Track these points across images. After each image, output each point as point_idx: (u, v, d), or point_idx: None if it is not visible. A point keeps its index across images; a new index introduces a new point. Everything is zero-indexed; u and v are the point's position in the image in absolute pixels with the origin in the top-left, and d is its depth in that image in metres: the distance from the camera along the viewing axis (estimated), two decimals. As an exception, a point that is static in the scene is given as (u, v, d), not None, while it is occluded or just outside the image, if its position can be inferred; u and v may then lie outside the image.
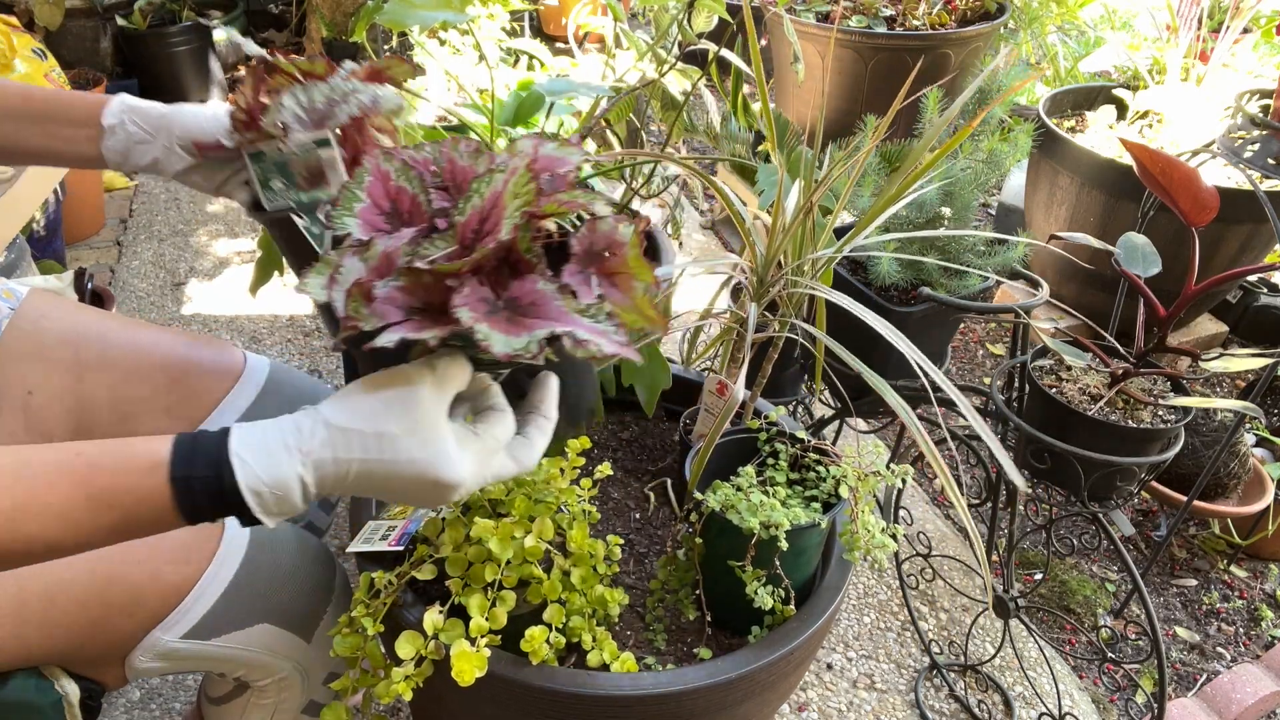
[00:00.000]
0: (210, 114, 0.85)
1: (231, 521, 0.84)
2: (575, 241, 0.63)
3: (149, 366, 1.01)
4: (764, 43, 3.58)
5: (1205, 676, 1.62)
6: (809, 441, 0.95)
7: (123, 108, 0.84)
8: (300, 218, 0.80)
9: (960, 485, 1.74)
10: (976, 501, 1.34)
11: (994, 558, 1.33)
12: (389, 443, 0.61)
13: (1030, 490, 0.92)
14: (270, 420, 0.62)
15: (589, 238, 0.63)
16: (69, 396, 0.97)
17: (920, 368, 0.82)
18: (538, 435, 0.68)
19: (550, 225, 0.63)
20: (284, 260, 1.04)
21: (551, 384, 0.70)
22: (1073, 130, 2.27)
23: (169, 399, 1.01)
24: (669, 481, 1.10)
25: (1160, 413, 1.08)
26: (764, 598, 0.83)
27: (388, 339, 0.56)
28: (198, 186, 0.89)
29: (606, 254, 0.63)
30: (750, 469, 0.90)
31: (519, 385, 0.69)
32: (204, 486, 0.59)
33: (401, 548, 0.85)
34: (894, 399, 0.81)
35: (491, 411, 0.66)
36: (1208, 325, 2.32)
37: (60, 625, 0.76)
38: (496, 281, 0.60)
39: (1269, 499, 1.76)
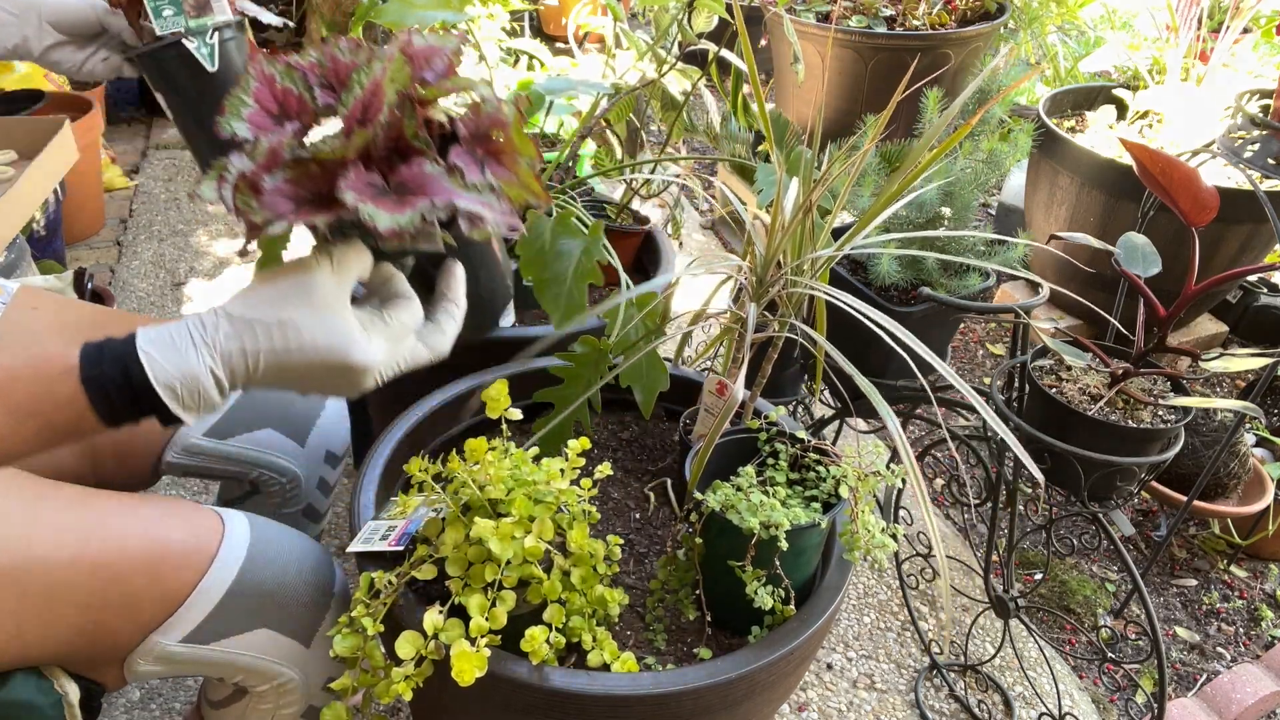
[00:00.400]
0: None
1: (231, 526, 0.85)
2: (461, 125, 0.65)
3: None
4: (764, 42, 3.58)
5: (1205, 676, 1.62)
6: (809, 441, 0.95)
7: None
8: (190, 41, 0.86)
9: (961, 485, 1.74)
10: (977, 501, 1.34)
11: (994, 558, 1.33)
12: (293, 330, 0.62)
13: (1031, 488, 0.92)
14: (174, 321, 0.64)
15: (474, 121, 0.65)
16: None
17: (926, 366, 0.82)
18: (447, 321, 0.70)
19: (440, 117, 0.65)
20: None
21: (456, 271, 0.72)
22: (1073, 130, 2.27)
23: None
24: (669, 481, 1.10)
25: (1160, 413, 1.08)
26: (764, 598, 0.83)
27: (277, 227, 0.59)
28: (62, 64, 0.92)
29: (492, 135, 0.65)
30: (750, 469, 0.90)
31: (427, 278, 0.71)
32: (115, 385, 0.61)
33: (401, 548, 0.85)
34: (882, 405, 0.81)
35: (397, 299, 0.68)
36: (1208, 325, 2.32)
37: (59, 627, 0.76)
38: (388, 170, 0.62)
39: (1269, 499, 1.76)
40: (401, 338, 0.67)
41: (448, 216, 0.62)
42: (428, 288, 0.71)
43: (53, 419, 0.62)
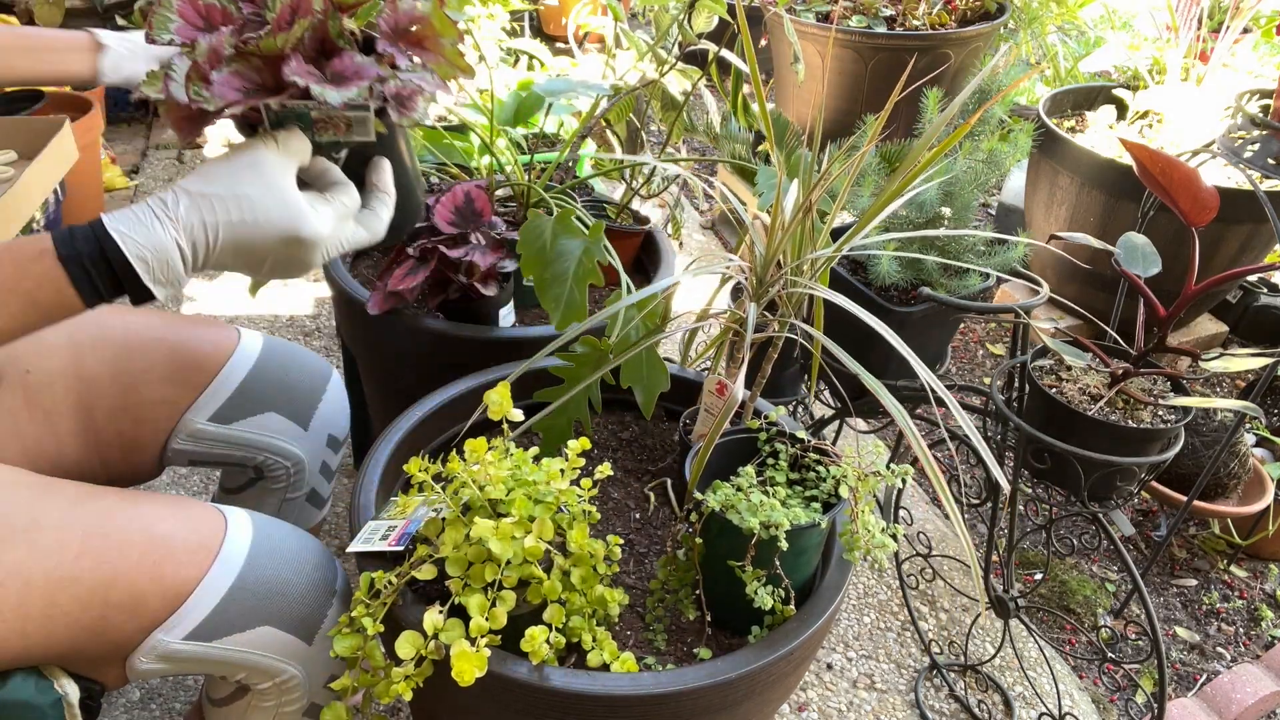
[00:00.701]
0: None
1: (234, 525, 0.86)
2: (381, 22, 0.73)
3: (147, 341, 1.03)
4: (764, 43, 3.59)
5: (1205, 676, 1.62)
6: (809, 441, 0.95)
7: (112, 34, 0.96)
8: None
9: (960, 485, 1.74)
10: (976, 501, 1.34)
11: (994, 558, 1.33)
12: (248, 203, 0.69)
13: (1025, 490, 0.93)
14: (134, 203, 0.70)
15: (392, 17, 0.73)
16: (69, 374, 0.99)
17: (926, 365, 0.82)
18: (381, 208, 0.79)
19: (356, 27, 0.73)
20: None
21: (384, 164, 0.80)
22: (1073, 130, 2.27)
23: (169, 368, 1.03)
24: (669, 481, 1.10)
25: (1160, 413, 1.08)
26: (764, 598, 0.83)
27: (234, 110, 0.66)
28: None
29: (412, 28, 0.73)
30: (750, 469, 0.90)
31: (357, 178, 0.78)
32: (91, 261, 0.67)
33: (401, 548, 0.85)
34: (890, 401, 0.81)
35: (335, 186, 0.75)
36: (1208, 325, 2.32)
37: (62, 623, 0.76)
38: (319, 66, 0.70)
39: (1269, 499, 1.76)
40: (344, 218, 0.75)
41: (380, 103, 0.72)
42: (359, 184, 0.79)
43: (35, 296, 0.67)
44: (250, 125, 0.74)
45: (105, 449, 1.01)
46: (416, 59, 0.73)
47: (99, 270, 0.68)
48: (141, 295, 0.70)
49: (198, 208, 0.69)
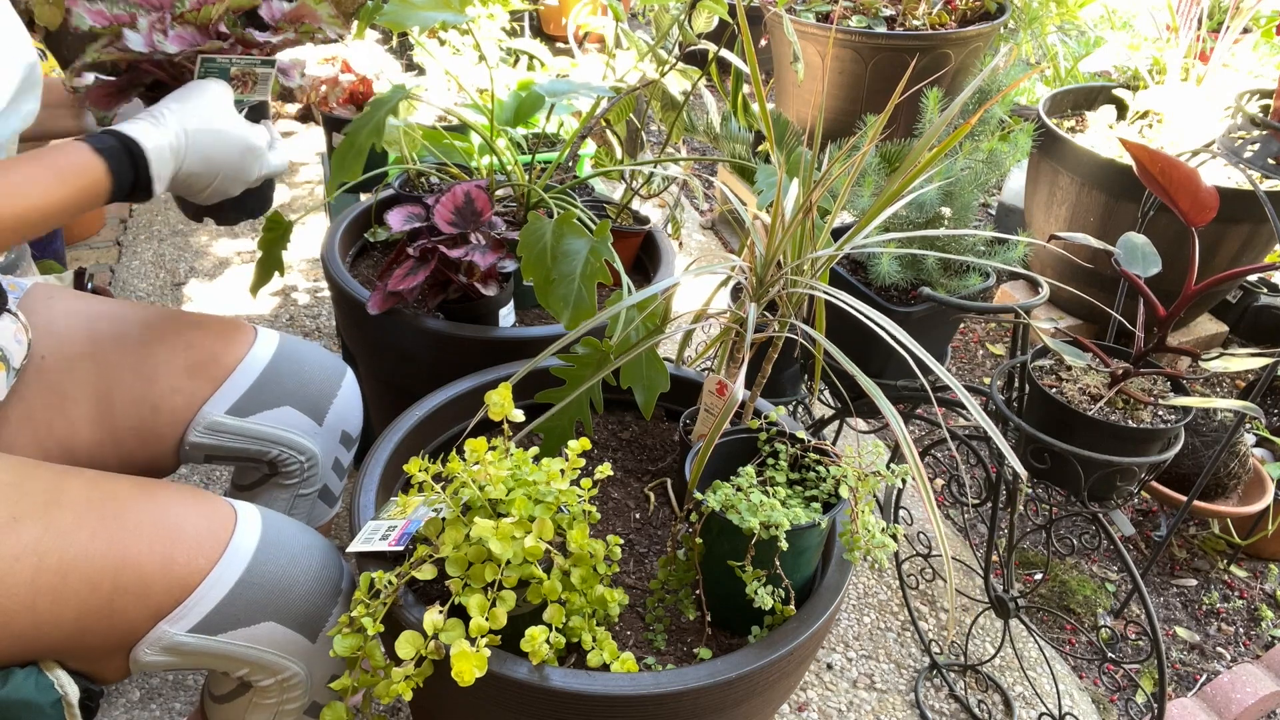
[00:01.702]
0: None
1: (243, 519, 0.86)
2: (262, 11, 0.95)
3: (165, 334, 1.05)
4: (764, 43, 3.59)
5: (1205, 676, 1.62)
6: (809, 441, 0.95)
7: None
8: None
9: (961, 485, 1.74)
10: (976, 501, 1.34)
11: (994, 558, 1.33)
12: (214, 119, 0.90)
13: (1030, 488, 0.93)
14: (136, 120, 0.86)
15: (269, 9, 0.96)
16: (86, 361, 1.00)
17: (925, 365, 0.82)
18: (276, 153, 0.98)
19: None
20: (282, 262, 1.27)
21: (272, 125, 1.01)
22: (1073, 130, 2.27)
23: (189, 359, 1.04)
24: (669, 481, 1.10)
25: (1160, 413, 1.08)
26: (764, 598, 0.83)
27: (186, 53, 0.90)
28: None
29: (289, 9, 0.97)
30: (750, 469, 0.90)
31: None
32: (115, 151, 0.83)
33: (401, 548, 0.85)
34: (884, 404, 0.81)
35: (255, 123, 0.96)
36: (1208, 325, 2.32)
37: (71, 603, 0.77)
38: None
39: (1269, 499, 1.76)
40: (268, 145, 0.96)
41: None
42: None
43: (77, 184, 0.81)
44: (162, 87, 0.95)
45: (122, 438, 1.02)
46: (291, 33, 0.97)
47: (121, 160, 0.83)
48: (145, 191, 0.86)
49: (180, 120, 0.88)
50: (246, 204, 1.02)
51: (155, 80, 0.96)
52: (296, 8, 0.96)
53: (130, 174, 0.84)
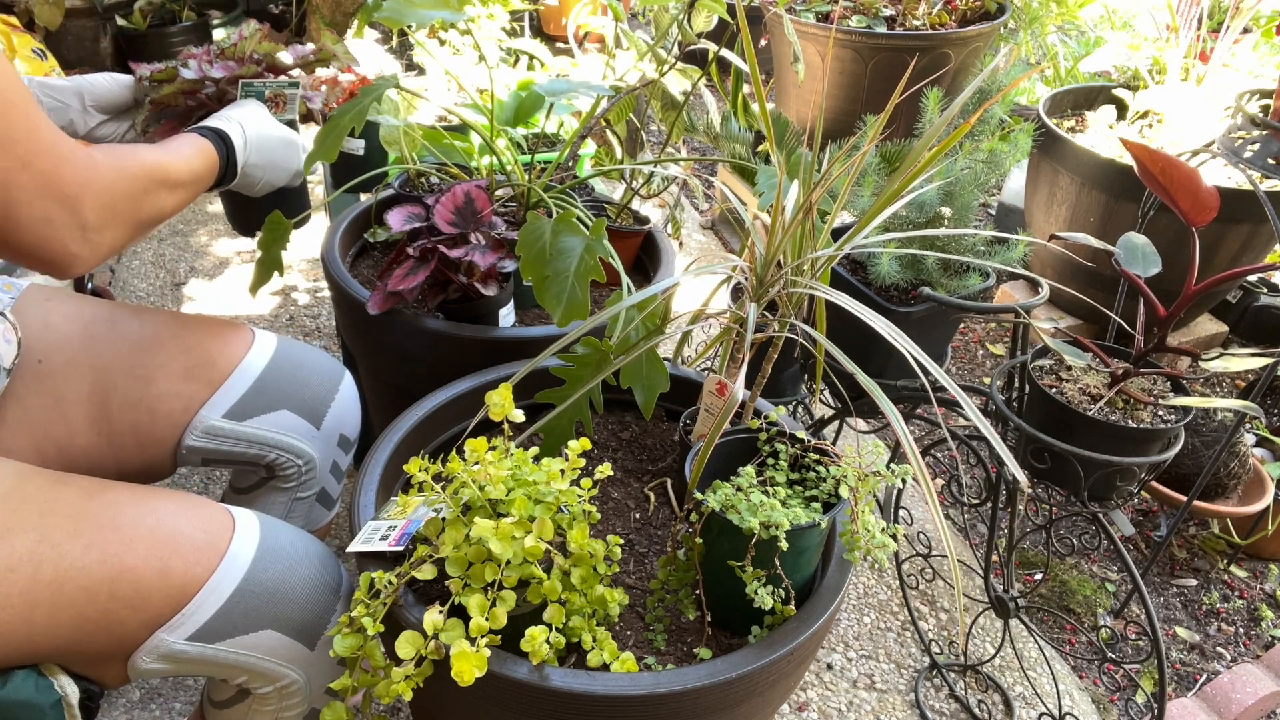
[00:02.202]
0: (110, 81, 1.15)
1: (240, 526, 0.86)
2: (285, 56, 1.24)
3: (162, 337, 1.05)
4: (764, 42, 3.59)
5: (1205, 676, 1.62)
6: (809, 441, 0.95)
7: (40, 83, 1.09)
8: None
9: (960, 485, 1.74)
10: (976, 501, 1.34)
11: (994, 558, 1.33)
12: (264, 123, 1.09)
13: (1031, 490, 0.92)
14: (223, 122, 1.05)
15: (291, 54, 1.26)
16: (84, 365, 1.00)
17: (921, 367, 0.82)
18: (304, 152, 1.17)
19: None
20: (282, 262, 1.32)
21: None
22: (1073, 130, 2.27)
23: (186, 362, 1.04)
24: (669, 481, 1.10)
25: (1160, 413, 1.08)
26: (764, 598, 0.83)
27: (229, 77, 1.16)
28: (106, 138, 1.16)
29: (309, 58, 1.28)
30: (750, 469, 0.90)
31: None
32: (219, 143, 1.02)
33: (401, 548, 0.85)
34: (885, 404, 0.81)
35: None
36: (1208, 325, 2.32)
37: (68, 613, 0.76)
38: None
39: (1269, 499, 1.76)
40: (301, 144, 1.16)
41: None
42: None
43: (203, 167, 0.99)
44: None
45: (119, 441, 1.01)
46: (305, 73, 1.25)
47: (220, 147, 1.01)
48: (231, 176, 1.05)
49: (241, 122, 1.06)
50: (293, 205, 1.22)
51: (207, 112, 1.15)
52: (318, 48, 1.27)
53: (225, 160, 1.02)
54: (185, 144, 0.97)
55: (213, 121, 1.04)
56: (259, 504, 1.13)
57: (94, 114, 1.13)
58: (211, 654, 0.83)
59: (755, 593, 0.84)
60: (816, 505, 0.90)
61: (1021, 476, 0.79)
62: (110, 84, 1.14)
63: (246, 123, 1.06)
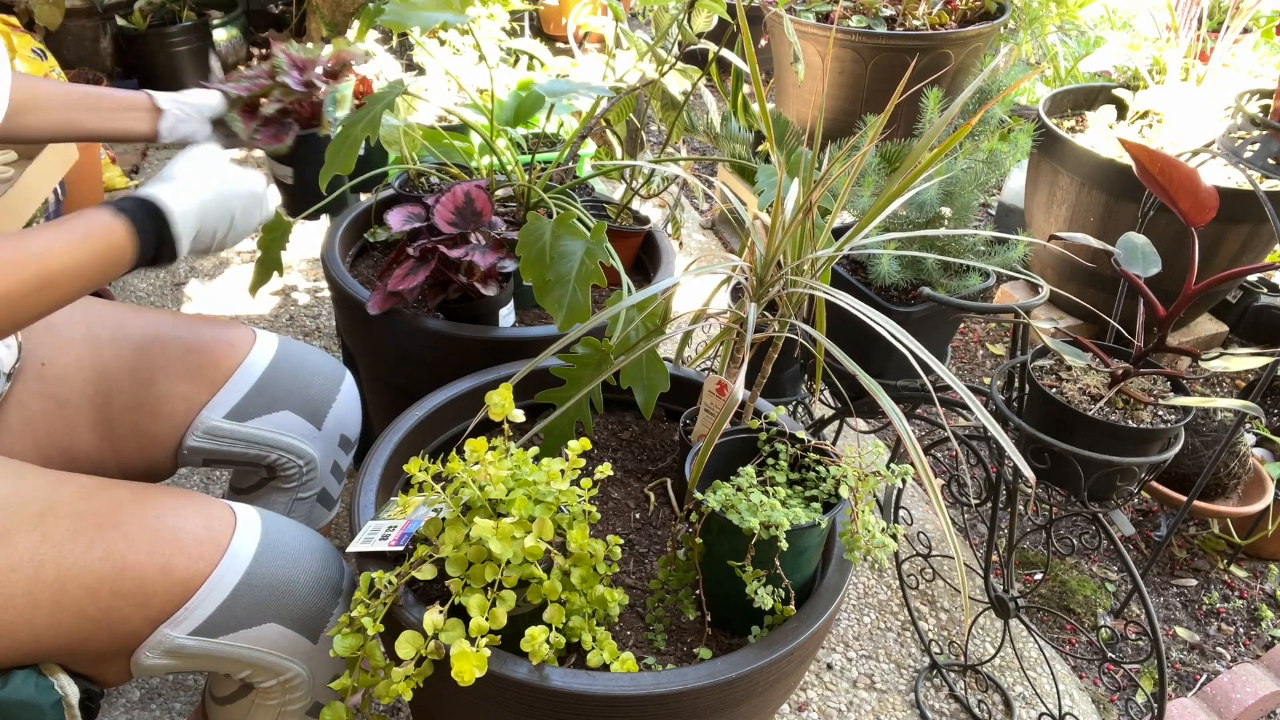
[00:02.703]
0: (213, 99, 1.20)
1: (243, 521, 0.86)
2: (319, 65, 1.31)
3: (164, 338, 1.05)
4: (764, 42, 3.59)
5: (1205, 676, 1.62)
6: (809, 441, 0.95)
7: (170, 98, 1.16)
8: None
9: (961, 485, 1.74)
10: (977, 501, 1.34)
11: (994, 558, 1.33)
12: (215, 171, 0.96)
13: (1035, 482, 0.92)
14: (159, 183, 0.92)
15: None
16: (86, 367, 1.01)
17: (926, 365, 0.82)
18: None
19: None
20: (281, 262, 1.36)
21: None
22: (1073, 130, 2.27)
23: (187, 363, 1.04)
24: (669, 481, 1.10)
25: (1160, 413, 1.08)
26: (764, 598, 0.83)
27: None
28: (218, 142, 1.21)
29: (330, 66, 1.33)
30: (750, 469, 0.90)
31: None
32: (139, 214, 0.85)
33: (401, 548, 0.85)
34: (888, 404, 0.81)
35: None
36: (1208, 325, 2.32)
37: (70, 612, 0.76)
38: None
39: (1269, 499, 1.76)
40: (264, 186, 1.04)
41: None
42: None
43: (101, 245, 0.83)
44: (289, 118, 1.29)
45: (121, 443, 1.01)
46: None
47: (143, 219, 0.86)
48: (171, 252, 0.89)
49: (188, 179, 0.93)
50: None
51: (296, 117, 1.28)
52: (340, 54, 1.33)
53: (153, 233, 0.86)
54: (76, 226, 0.81)
55: (146, 189, 0.90)
56: (259, 505, 1.13)
57: (208, 126, 1.20)
58: (215, 648, 0.83)
59: (755, 593, 0.84)
60: (816, 505, 0.90)
61: (1027, 470, 0.79)
62: (216, 103, 1.21)
63: (194, 180, 0.93)
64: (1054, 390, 1.10)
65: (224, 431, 1.05)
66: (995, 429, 0.79)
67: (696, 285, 2.40)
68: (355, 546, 0.87)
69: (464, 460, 0.83)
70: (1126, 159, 1.99)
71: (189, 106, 1.17)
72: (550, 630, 0.78)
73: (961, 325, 2.38)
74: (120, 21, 3.22)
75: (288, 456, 1.10)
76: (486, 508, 0.81)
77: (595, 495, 0.88)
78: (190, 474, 1.83)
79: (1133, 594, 1.32)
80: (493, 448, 0.84)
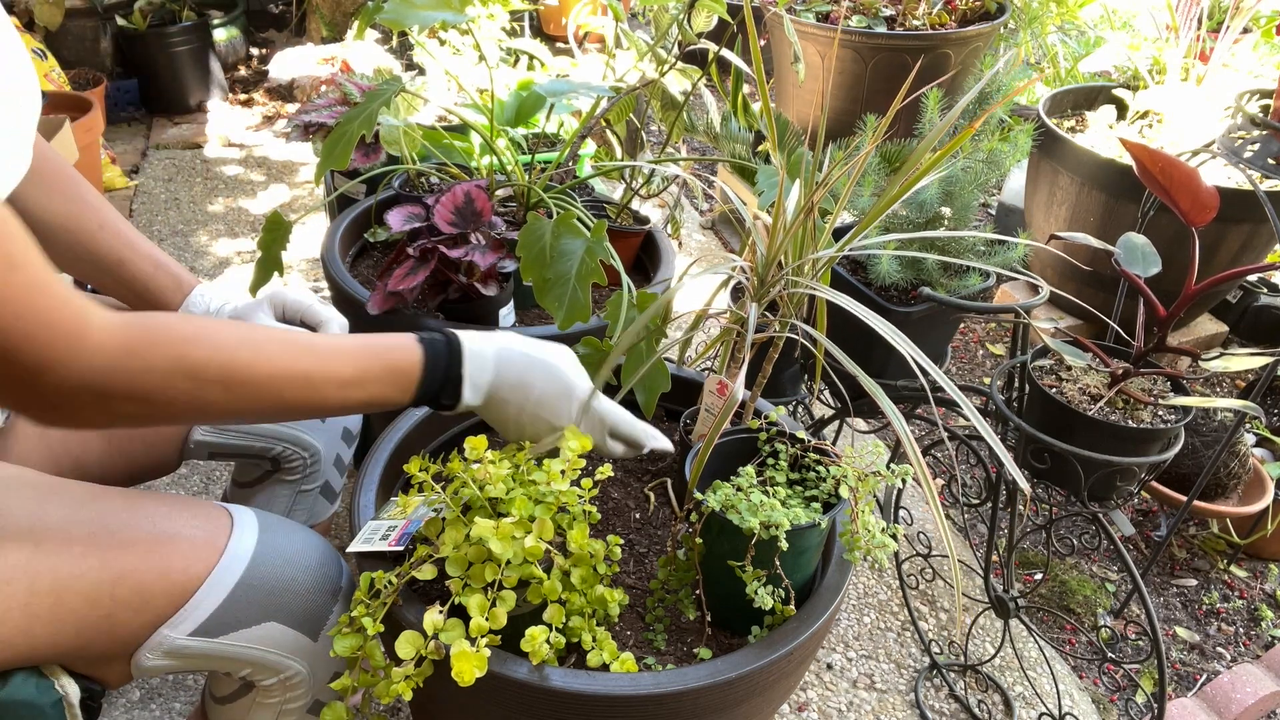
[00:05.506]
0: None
1: (240, 522, 0.86)
2: None
3: None
4: (764, 43, 3.58)
5: (1205, 676, 1.62)
6: (809, 441, 0.95)
7: (199, 294, 1.02)
8: None
9: (961, 485, 1.74)
10: (976, 501, 1.34)
11: (994, 558, 1.33)
12: (536, 345, 0.88)
13: (1031, 490, 0.92)
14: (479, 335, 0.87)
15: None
16: None
17: (920, 368, 0.82)
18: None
19: None
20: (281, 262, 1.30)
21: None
22: (1073, 130, 2.27)
23: None
24: (669, 481, 1.10)
25: (1160, 413, 1.08)
26: (764, 598, 0.83)
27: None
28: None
29: None
30: (750, 469, 0.90)
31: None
32: (436, 344, 0.83)
33: (401, 548, 0.85)
34: (887, 404, 0.81)
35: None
36: (1208, 325, 2.32)
37: (68, 621, 0.76)
38: None
39: (1269, 499, 1.76)
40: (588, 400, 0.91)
41: None
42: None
43: (389, 361, 0.83)
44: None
45: (129, 445, 1.02)
46: None
47: (438, 349, 0.83)
48: (454, 390, 0.84)
49: (505, 339, 0.87)
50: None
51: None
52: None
53: (443, 368, 0.83)
54: (369, 340, 0.82)
55: (457, 330, 0.86)
56: (263, 497, 1.14)
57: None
58: (215, 648, 0.83)
59: (755, 593, 0.84)
60: (816, 505, 0.90)
61: (1022, 481, 0.79)
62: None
63: (514, 341, 0.87)
64: (1054, 390, 1.10)
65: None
66: (989, 435, 0.79)
67: (697, 285, 2.40)
68: (355, 546, 0.87)
69: (464, 460, 0.83)
70: (1127, 159, 1.99)
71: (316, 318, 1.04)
72: (550, 630, 0.78)
73: (961, 325, 2.38)
74: (120, 21, 3.22)
75: (292, 449, 1.10)
76: (487, 507, 0.81)
77: (595, 495, 0.88)
78: (191, 473, 1.83)
79: (1133, 594, 1.32)
80: (493, 447, 0.85)
